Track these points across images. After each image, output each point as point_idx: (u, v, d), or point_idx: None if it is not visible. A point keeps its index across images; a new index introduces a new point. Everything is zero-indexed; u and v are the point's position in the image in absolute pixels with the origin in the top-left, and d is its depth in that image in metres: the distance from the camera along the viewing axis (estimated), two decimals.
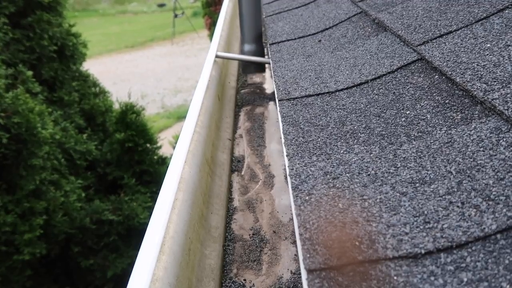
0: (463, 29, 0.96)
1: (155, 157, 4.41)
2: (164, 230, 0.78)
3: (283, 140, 0.84)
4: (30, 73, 3.55)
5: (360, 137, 0.79)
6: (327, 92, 1.00)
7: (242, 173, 1.33)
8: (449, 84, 0.83)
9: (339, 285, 0.49)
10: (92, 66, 5.72)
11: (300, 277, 0.90)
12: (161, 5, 22.70)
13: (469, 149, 0.64)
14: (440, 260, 0.50)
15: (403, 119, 0.80)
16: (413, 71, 0.95)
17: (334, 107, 0.93)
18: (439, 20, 1.05)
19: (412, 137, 0.73)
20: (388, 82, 0.95)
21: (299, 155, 0.78)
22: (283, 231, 1.05)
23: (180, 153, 1.04)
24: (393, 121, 0.80)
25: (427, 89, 0.86)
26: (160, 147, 4.55)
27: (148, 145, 4.30)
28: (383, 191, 0.63)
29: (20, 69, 3.50)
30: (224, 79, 1.89)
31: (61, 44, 4.09)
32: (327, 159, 0.74)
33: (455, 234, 0.52)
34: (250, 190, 1.23)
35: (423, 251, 0.51)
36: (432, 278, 0.48)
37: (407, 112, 0.81)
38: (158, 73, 12.76)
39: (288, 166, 0.75)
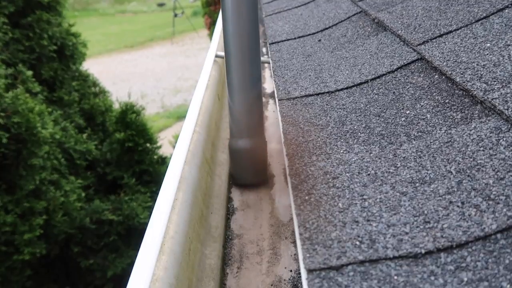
0: (463, 28, 0.96)
1: (155, 157, 4.41)
2: (164, 230, 0.77)
3: (283, 140, 0.84)
4: (30, 73, 3.55)
5: (360, 136, 0.79)
6: (327, 92, 1.00)
7: None
8: (449, 84, 0.83)
9: (338, 285, 0.49)
10: (92, 66, 5.72)
11: (300, 277, 0.90)
12: (161, 5, 22.69)
13: (469, 149, 0.64)
14: (440, 260, 0.50)
15: (403, 118, 0.80)
16: (413, 70, 0.95)
17: (334, 107, 0.93)
18: (439, 19, 1.05)
19: (412, 137, 0.73)
20: (388, 82, 0.95)
21: (299, 154, 0.78)
22: (283, 231, 1.05)
23: (180, 153, 1.04)
24: (393, 121, 0.80)
25: (427, 89, 0.86)
26: (160, 147, 4.55)
27: (148, 145, 4.30)
28: (383, 191, 0.63)
29: (20, 69, 3.50)
30: (224, 79, 1.89)
31: (61, 44, 4.09)
32: (327, 159, 0.74)
33: (455, 233, 0.52)
34: (250, 190, 1.23)
35: (423, 251, 0.51)
36: (432, 278, 0.48)
37: (407, 112, 0.81)
38: (158, 73, 12.76)
39: (288, 166, 0.75)
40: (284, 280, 0.91)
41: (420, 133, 0.74)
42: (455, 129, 0.70)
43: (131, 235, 3.81)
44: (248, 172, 1.23)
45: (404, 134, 0.75)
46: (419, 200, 0.59)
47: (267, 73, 2.10)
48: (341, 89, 1.00)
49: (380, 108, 0.87)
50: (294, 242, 1.01)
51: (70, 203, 3.36)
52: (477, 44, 0.87)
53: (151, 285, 0.66)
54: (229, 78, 1.09)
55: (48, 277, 3.57)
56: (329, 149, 0.77)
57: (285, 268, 0.94)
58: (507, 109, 0.66)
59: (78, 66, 4.43)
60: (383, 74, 0.99)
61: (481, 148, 0.63)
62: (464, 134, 0.68)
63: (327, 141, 0.80)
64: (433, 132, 0.72)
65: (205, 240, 0.97)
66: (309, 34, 1.47)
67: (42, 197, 3.19)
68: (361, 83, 0.99)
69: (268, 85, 1.98)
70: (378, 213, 0.59)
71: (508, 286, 0.44)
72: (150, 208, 3.69)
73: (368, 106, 0.89)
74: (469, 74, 0.79)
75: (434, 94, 0.83)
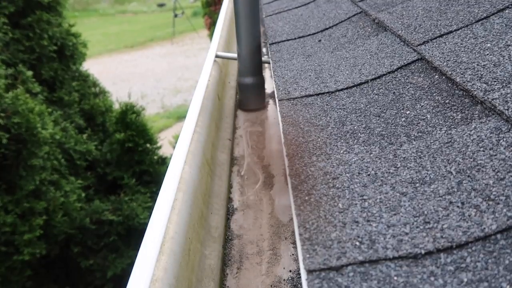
0: (463, 29, 0.96)
1: (155, 157, 4.41)
2: (163, 231, 0.77)
3: (283, 140, 0.84)
4: (30, 73, 3.55)
5: (360, 137, 0.79)
6: (327, 92, 1.00)
7: (242, 173, 1.33)
8: (449, 84, 0.83)
9: (338, 285, 0.49)
10: (92, 66, 5.72)
11: (300, 277, 0.90)
12: (161, 5, 22.69)
13: (469, 149, 0.64)
14: (440, 260, 0.50)
15: (403, 119, 0.80)
16: (413, 71, 0.95)
17: (334, 107, 0.93)
18: (439, 20, 1.05)
19: (412, 137, 0.73)
20: (388, 82, 0.95)
21: (299, 155, 0.77)
22: (283, 231, 1.05)
23: (180, 153, 1.04)
24: (393, 121, 0.80)
25: (427, 89, 0.86)
26: (160, 147, 4.55)
27: (148, 145, 4.30)
28: (383, 191, 0.63)
29: (20, 69, 3.50)
30: (224, 79, 1.89)
31: (61, 44, 4.09)
32: (327, 159, 0.74)
33: (455, 234, 0.52)
34: (250, 190, 1.23)
35: (423, 251, 0.51)
36: (432, 279, 0.48)
37: (407, 112, 0.81)
38: (158, 73, 12.76)
39: (288, 166, 0.75)
40: (284, 280, 0.90)
41: (420, 134, 0.74)
42: (455, 129, 0.70)
43: (131, 235, 3.81)
44: (251, 100, 1.73)
45: (404, 135, 0.75)
46: (419, 201, 0.59)
47: (267, 73, 2.10)
48: (341, 89, 1.00)
49: (380, 109, 0.86)
50: (294, 243, 1.00)
51: (70, 203, 3.36)
52: (477, 44, 0.87)
53: (150, 285, 0.66)
54: (238, 32, 1.55)
55: (48, 277, 3.57)
56: (329, 149, 0.77)
57: (285, 268, 0.94)
58: (507, 110, 0.66)
59: (78, 66, 4.43)
60: (383, 74, 0.99)
61: (481, 149, 0.63)
62: (464, 134, 0.68)
63: (327, 141, 0.80)
64: (433, 133, 0.72)
65: (205, 241, 0.97)
66: (309, 35, 1.47)
67: (42, 197, 3.19)
68: (361, 83, 0.99)
69: (268, 85, 1.98)
70: (378, 213, 0.59)
71: (508, 286, 0.44)
72: (150, 209, 3.69)
73: (368, 106, 0.89)
74: (469, 74, 0.79)
75: (434, 94, 0.83)
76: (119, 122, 4.18)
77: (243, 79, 1.68)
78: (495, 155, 0.61)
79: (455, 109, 0.76)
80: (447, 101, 0.79)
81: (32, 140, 3.07)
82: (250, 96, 1.72)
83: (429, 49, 0.95)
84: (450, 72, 0.83)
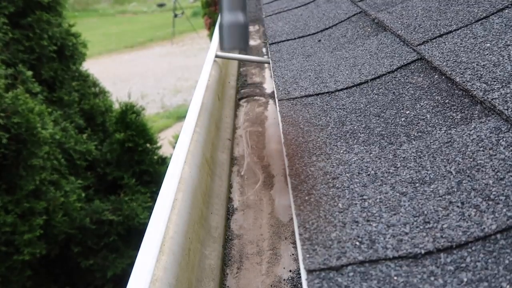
0: (462, 28, 0.96)
1: (155, 157, 4.41)
2: (163, 230, 0.77)
3: (282, 140, 0.84)
4: (30, 73, 3.55)
5: (360, 137, 0.79)
6: (326, 92, 1.00)
7: (242, 173, 1.33)
8: (449, 84, 0.83)
9: (338, 285, 0.49)
10: (92, 66, 5.71)
11: (300, 277, 0.90)
12: (161, 5, 22.69)
13: (469, 149, 0.64)
14: (440, 260, 0.50)
15: (402, 119, 0.80)
16: (412, 71, 0.95)
17: (333, 107, 0.93)
18: (438, 19, 1.05)
19: (412, 137, 0.73)
20: (388, 82, 0.95)
21: (299, 155, 0.77)
22: (283, 231, 1.05)
23: (180, 153, 1.04)
24: (392, 121, 0.80)
25: (426, 89, 0.86)
26: (160, 147, 4.55)
27: (148, 145, 4.30)
28: (383, 191, 0.63)
29: (20, 69, 3.50)
30: (224, 79, 1.89)
31: (61, 44, 4.09)
32: (327, 159, 0.74)
33: (455, 234, 0.52)
34: (250, 190, 1.23)
35: (423, 251, 0.51)
36: (432, 278, 0.48)
37: (407, 112, 0.81)
38: (158, 73, 12.76)
39: (287, 166, 0.75)
40: (284, 280, 0.91)
41: (420, 133, 0.74)
42: (455, 129, 0.70)
43: (131, 235, 3.81)
44: (233, 39, 1.39)
45: (404, 134, 0.75)
46: (419, 200, 0.59)
47: (267, 73, 2.10)
48: (341, 89, 1.00)
49: (380, 108, 0.86)
50: (294, 243, 1.00)
51: (70, 203, 3.36)
52: (477, 44, 0.87)
53: (150, 285, 0.66)
54: None
55: (48, 277, 3.57)
56: (329, 149, 0.77)
57: (285, 268, 0.94)
58: (507, 109, 0.66)
59: (78, 66, 4.43)
60: (383, 74, 0.99)
61: (481, 148, 0.63)
62: (464, 134, 0.68)
63: (327, 141, 0.80)
64: (433, 132, 0.72)
65: (205, 241, 0.97)
66: (309, 35, 1.47)
67: (42, 197, 3.19)
68: (361, 83, 0.99)
69: (268, 85, 1.98)
70: (378, 213, 0.59)
71: (508, 286, 0.44)
72: (150, 209, 3.68)
73: (368, 106, 0.89)
74: (469, 74, 0.79)
75: (434, 94, 0.83)
76: (119, 122, 4.18)
77: (223, 16, 1.52)
78: (495, 155, 0.61)
79: (454, 109, 0.76)
80: (446, 101, 0.79)
81: (32, 140, 3.07)
82: (230, 35, 1.56)
83: (428, 49, 0.95)
84: (449, 72, 0.83)
